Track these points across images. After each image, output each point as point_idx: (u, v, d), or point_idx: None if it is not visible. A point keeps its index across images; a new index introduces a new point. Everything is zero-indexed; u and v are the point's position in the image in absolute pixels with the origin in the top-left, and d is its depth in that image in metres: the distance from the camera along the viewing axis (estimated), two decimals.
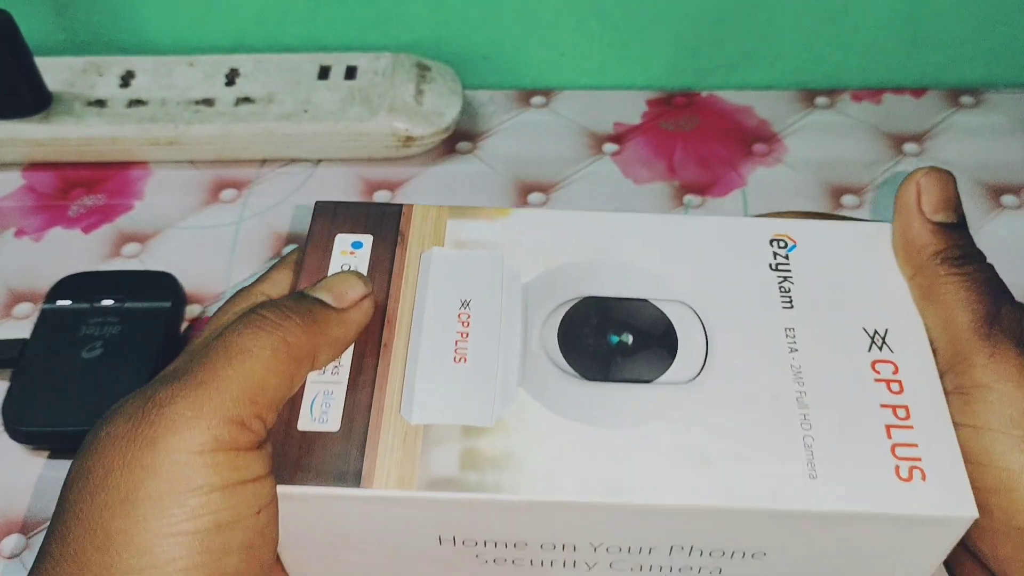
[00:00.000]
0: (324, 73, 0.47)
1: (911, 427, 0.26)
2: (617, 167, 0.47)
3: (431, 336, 0.28)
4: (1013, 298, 0.28)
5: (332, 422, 0.26)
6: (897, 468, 0.25)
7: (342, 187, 0.46)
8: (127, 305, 0.38)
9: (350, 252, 0.30)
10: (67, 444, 0.35)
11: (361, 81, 0.47)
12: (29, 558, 0.33)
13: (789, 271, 0.29)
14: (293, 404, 0.26)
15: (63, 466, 0.36)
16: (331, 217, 0.31)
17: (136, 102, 0.46)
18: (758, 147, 0.48)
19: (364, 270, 0.29)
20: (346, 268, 0.29)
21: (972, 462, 0.26)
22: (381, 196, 0.46)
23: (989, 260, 0.28)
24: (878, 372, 0.27)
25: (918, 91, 0.50)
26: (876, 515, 0.25)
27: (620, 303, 0.29)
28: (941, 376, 0.27)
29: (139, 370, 0.36)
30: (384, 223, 0.30)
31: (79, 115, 0.45)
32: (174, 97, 0.46)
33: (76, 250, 0.43)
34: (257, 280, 0.29)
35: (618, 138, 0.48)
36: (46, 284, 0.41)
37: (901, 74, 0.52)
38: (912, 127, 0.48)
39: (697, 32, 0.50)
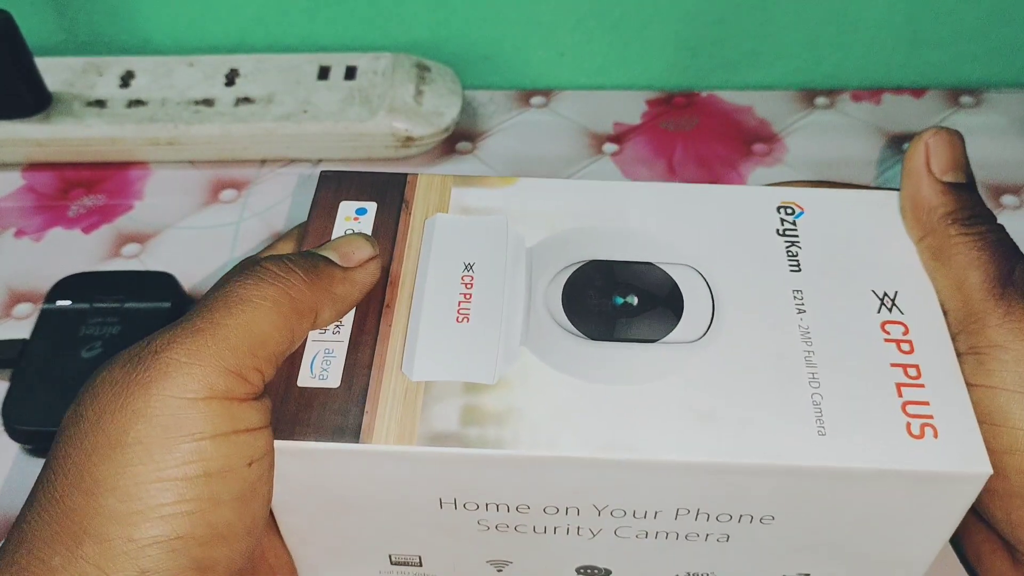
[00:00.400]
0: (324, 73, 0.47)
1: (922, 386, 0.25)
2: (617, 167, 0.47)
3: (434, 297, 0.27)
4: None
5: (332, 379, 0.26)
6: (909, 425, 0.25)
7: None
8: (127, 305, 0.38)
9: (354, 218, 0.30)
10: None
11: (361, 81, 0.47)
12: None
13: (796, 236, 0.29)
14: (293, 361, 0.26)
15: None
16: (335, 185, 0.31)
17: (136, 102, 0.46)
18: (758, 147, 0.48)
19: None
20: (350, 232, 0.29)
21: (986, 423, 0.25)
22: None
23: None
24: (888, 333, 0.27)
25: (918, 91, 0.50)
26: (888, 472, 0.24)
27: (625, 266, 0.28)
28: (954, 338, 0.27)
29: None
30: (389, 191, 0.30)
31: (79, 115, 0.45)
32: (174, 97, 0.46)
33: (76, 250, 0.43)
34: (262, 251, 0.29)
35: (618, 138, 0.48)
36: (46, 284, 0.41)
37: (901, 74, 0.52)
38: (912, 127, 0.48)
39: (697, 32, 0.50)
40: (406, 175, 0.31)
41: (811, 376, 0.26)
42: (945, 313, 0.27)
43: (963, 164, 0.29)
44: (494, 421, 0.25)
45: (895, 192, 0.30)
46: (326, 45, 0.51)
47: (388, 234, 0.29)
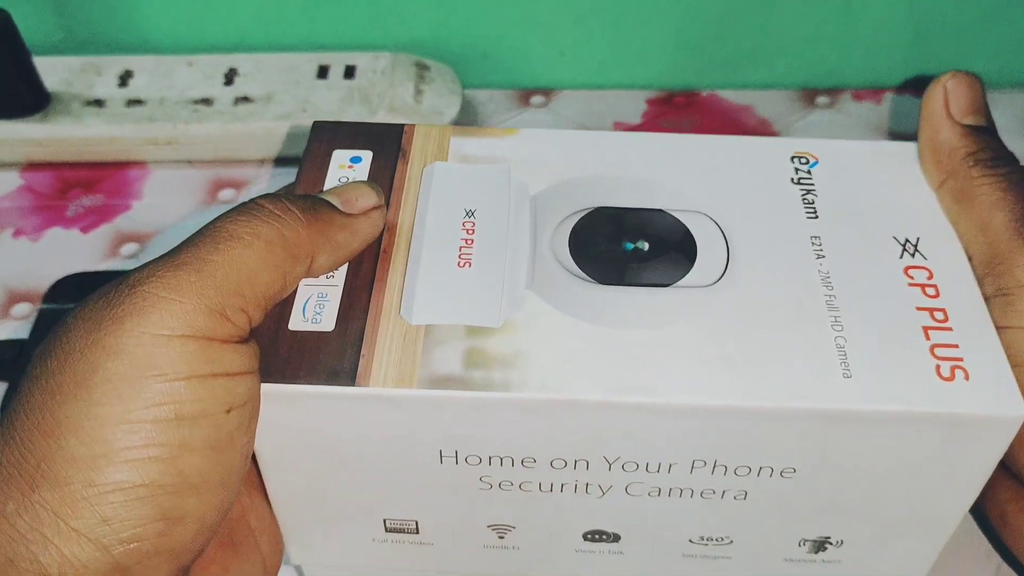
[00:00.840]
0: (323, 72, 0.47)
1: (950, 329, 0.24)
2: None
3: (434, 242, 0.26)
4: None
5: (326, 322, 0.24)
6: (938, 367, 0.24)
7: None
8: None
9: (348, 166, 0.28)
10: None
11: (360, 80, 0.47)
12: None
13: (812, 185, 0.28)
14: (284, 305, 0.24)
15: None
16: (329, 135, 0.29)
17: (135, 102, 0.46)
18: None
19: None
20: (345, 181, 0.28)
21: (1019, 364, 0.24)
22: None
23: None
24: (911, 277, 0.26)
25: (919, 90, 0.50)
26: (918, 414, 0.23)
27: (634, 212, 0.27)
28: (980, 281, 0.26)
29: None
30: (385, 140, 0.29)
31: (77, 115, 0.45)
32: (173, 97, 0.46)
33: (74, 250, 0.43)
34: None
35: None
36: (45, 284, 0.41)
37: (902, 73, 0.52)
38: (913, 126, 0.48)
39: (697, 31, 0.50)
40: (403, 125, 0.30)
41: (834, 319, 0.25)
42: (969, 258, 0.26)
43: (983, 107, 0.28)
44: (500, 364, 0.23)
45: (910, 144, 0.30)
46: (325, 44, 0.51)
47: (385, 183, 0.28)
